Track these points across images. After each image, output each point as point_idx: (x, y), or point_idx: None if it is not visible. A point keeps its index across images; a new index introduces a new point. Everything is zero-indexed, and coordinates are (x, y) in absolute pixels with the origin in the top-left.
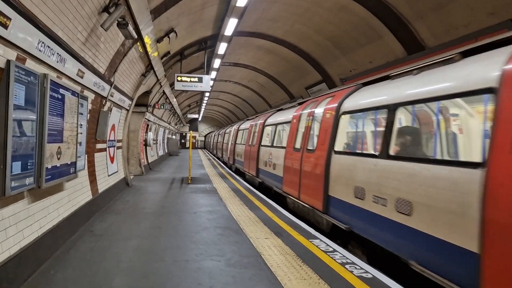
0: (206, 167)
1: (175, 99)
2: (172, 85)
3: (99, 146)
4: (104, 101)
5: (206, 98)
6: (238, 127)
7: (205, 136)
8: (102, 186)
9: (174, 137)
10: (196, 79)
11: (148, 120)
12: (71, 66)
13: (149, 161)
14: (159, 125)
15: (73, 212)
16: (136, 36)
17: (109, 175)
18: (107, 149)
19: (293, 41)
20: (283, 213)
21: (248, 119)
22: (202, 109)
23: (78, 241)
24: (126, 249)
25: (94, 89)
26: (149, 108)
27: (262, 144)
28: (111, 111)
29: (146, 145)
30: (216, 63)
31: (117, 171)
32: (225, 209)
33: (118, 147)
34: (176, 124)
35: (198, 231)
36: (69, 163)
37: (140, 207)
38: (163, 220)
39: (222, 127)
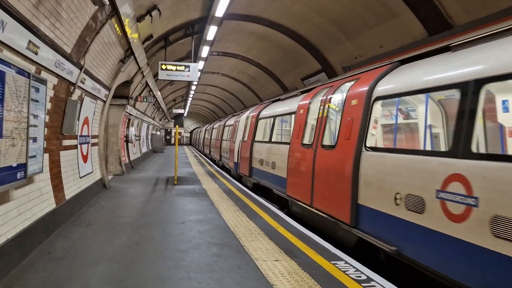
0: (193, 165)
1: (159, 92)
2: (156, 76)
3: (66, 142)
4: (73, 88)
5: (192, 92)
6: (259, 114)
7: (190, 132)
8: (70, 190)
9: (158, 133)
10: (182, 67)
11: (130, 114)
12: (16, 35)
13: (131, 159)
14: (142, 120)
15: (25, 229)
16: (107, 2)
17: (81, 177)
18: (79, 146)
19: (290, 24)
20: (289, 223)
21: (273, 100)
22: (188, 104)
23: (29, 269)
24: (91, 280)
25: (56, 71)
26: (130, 101)
27: (375, 146)
28: (82, 101)
29: (127, 141)
30: (205, 51)
31: (91, 172)
32: (218, 217)
33: (93, 144)
34: (160, 120)
35: (187, 249)
36: (14, 165)
37: (117, 216)
38: (143, 234)
39: (218, 119)
